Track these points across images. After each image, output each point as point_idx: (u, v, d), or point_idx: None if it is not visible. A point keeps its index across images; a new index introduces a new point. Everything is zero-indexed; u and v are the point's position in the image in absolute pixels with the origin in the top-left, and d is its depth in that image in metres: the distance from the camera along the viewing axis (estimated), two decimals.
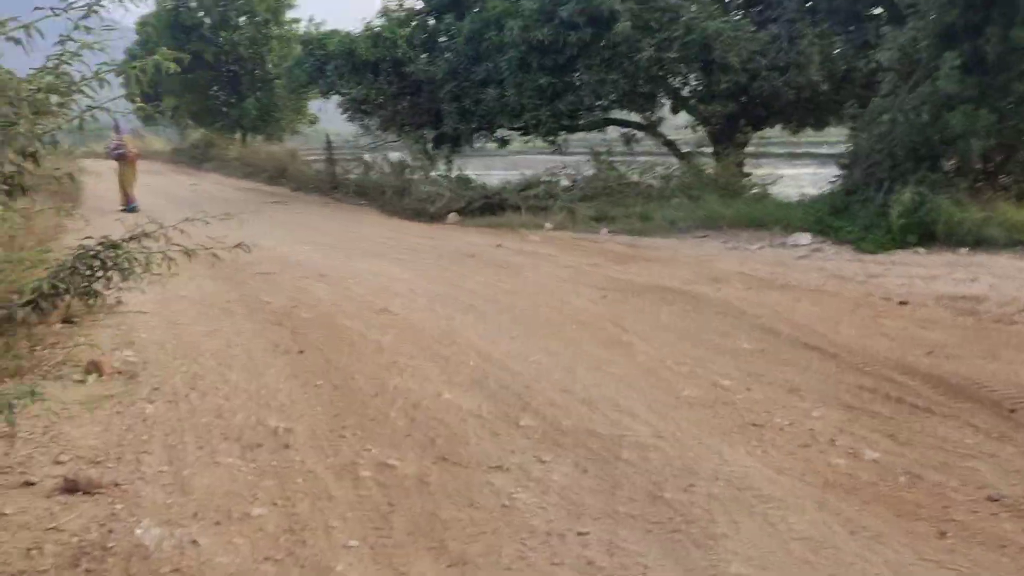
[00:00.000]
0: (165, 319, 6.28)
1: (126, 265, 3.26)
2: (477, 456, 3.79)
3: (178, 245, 3.60)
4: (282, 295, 7.27)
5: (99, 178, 22.14)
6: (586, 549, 2.98)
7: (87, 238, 4.58)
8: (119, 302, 6.45)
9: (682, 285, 7.71)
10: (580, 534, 3.09)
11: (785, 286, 7.74)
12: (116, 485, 3.25)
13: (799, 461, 3.83)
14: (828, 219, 10.69)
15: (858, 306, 6.77)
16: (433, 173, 15.79)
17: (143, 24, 31.53)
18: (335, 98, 18.87)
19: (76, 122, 4.67)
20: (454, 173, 15.80)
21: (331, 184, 18.66)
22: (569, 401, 4.52)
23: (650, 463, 3.74)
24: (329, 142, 19.83)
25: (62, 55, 2.81)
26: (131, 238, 3.60)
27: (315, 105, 28.62)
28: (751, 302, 6.97)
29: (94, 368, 4.73)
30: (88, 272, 3.19)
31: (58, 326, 5.69)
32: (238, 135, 30.67)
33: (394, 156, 17.61)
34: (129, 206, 14.93)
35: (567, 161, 15.05)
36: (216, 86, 29.83)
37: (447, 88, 15.42)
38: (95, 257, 3.23)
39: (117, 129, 15.56)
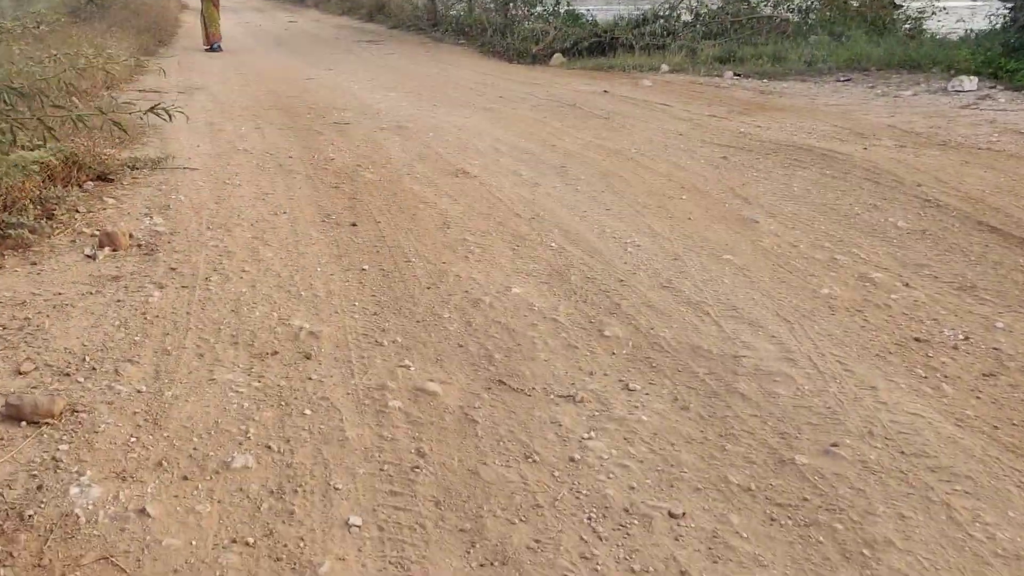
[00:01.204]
0: (215, 177, 5.53)
1: None
2: (544, 379, 2.91)
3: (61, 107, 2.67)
4: (350, 151, 6.39)
5: (195, 14, 21.59)
6: (680, 548, 2.09)
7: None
8: (168, 157, 5.77)
9: (820, 143, 6.40)
10: (672, 517, 2.20)
11: (947, 144, 6.34)
12: (73, 412, 2.54)
13: (986, 404, 2.78)
14: (1000, 60, 8.94)
15: None
16: (538, 8, 14.26)
17: None
18: None
19: None
20: (562, 8, 14.21)
21: (430, 22, 17.35)
22: (671, 303, 3.53)
23: (776, 401, 2.76)
24: None
25: None
26: None
27: None
28: (907, 165, 5.67)
29: (108, 241, 4.03)
30: None
31: (89, 184, 5.03)
32: None
33: None
34: (213, 45, 14.18)
35: None
36: None
37: None
38: None
39: None
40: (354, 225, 4.56)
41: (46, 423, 2.46)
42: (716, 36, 11.54)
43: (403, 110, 8.26)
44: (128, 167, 5.49)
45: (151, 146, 6.36)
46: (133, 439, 2.44)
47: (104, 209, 4.67)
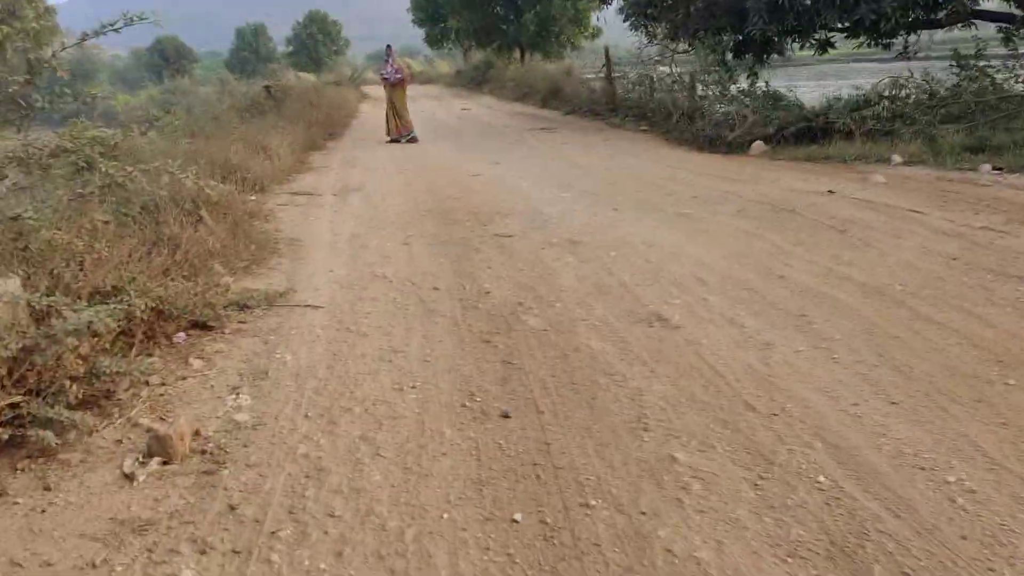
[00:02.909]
0: (339, 321, 4.32)
1: None
2: None
3: None
4: (511, 278, 5.05)
5: (374, 104, 21.71)
6: None
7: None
8: (290, 290, 4.66)
9: None
10: None
11: None
12: None
13: None
14: None
15: None
16: (732, 88, 12.73)
17: None
18: (616, 6, 16.24)
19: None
20: (760, 88, 12.58)
21: (608, 106, 16.19)
22: None
23: None
24: (608, 57, 17.26)
25: None
26: None
27: (598, 19, 26.09)
28: None
29: (158, 448, 2.82)
30: None
31: (181, 336, 3.93)
32: (516, 54, 29.16)
33: (683, 71, 14.75)
34: (409, 134, 13.55)
35: (894, 70, 11.30)
36: (495, 3, 28.35)
37: None
38: None
39: (389, 52, 14.19)
40: (506, 416, 3.14)
41: None
42: (958, 119, 9.52)
43: (577, 216, 6.90)
44: (237, 307, 4.39)
45: (278, 271, 5.31)
46: None
47: (184, 379, 3.52)
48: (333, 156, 11.83)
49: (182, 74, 63.21)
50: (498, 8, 28.59)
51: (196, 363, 3.67)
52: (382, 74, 14.12)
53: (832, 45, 12.97)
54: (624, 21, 15.61)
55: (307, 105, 15.15)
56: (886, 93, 10.45)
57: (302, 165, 10.53)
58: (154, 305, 3.70)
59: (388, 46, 14.71)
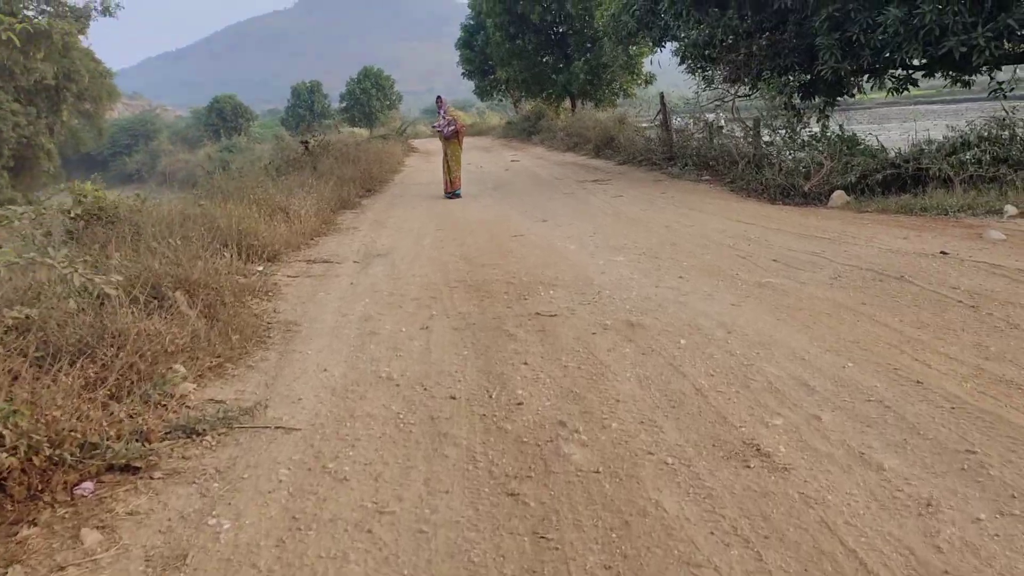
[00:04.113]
0: (314, 453, 3.20)
1: None
2: None
3: None
4: (552, 380, 3.88)
5: (422, 158, 20.98)
6: None
7: None
8: (262, 402, 3.56)
9: None
10: None
11: None
12: None
13: None
14: None
15: None
16: (804, 133, 11.51)
17: None
18: (669, 48, 15.19)
19: None
20: (832, 133, 11.33)
21: (665, 155, 15.04)
22: None
23: None
24: (663, 103, 16.17)
25: None
26: None
27: (650, 64, 25.17)
28: None
29: None
30: None
31: (87, 486, 2.84)
32: (567, 103, 28.32)
33: (746, 116, 13.60)
34: (454, 192, 12.60)
35: (960, 111, 9.94)
36: (544, 52, 27.61)
37: (825, 13, 10.94)
38: None
39: (440, 104, 13.29)
40: None
41: None
42: None
43: (635, 287, 5.73)
44: (184, 432, 3.30)
45: (258, 371, 4.23)
46: None
47: (62, 570, 2.41)
48: (365, 215, 10.87)
49: (239, 132, 64.21)
50: (547, 57, 27.81)
51: (91, 537, 2.56)
52: (435, 127, 13.25)
53: (915, 83, 11.65)
54: (680, 64, 14.51)
55: (345, 160, 14.32)
56: (985, 134, 9.09)
57: (328, 227, 9.57)
58: (39, 450, 2.63)
59: (439, 97, 13.81)
